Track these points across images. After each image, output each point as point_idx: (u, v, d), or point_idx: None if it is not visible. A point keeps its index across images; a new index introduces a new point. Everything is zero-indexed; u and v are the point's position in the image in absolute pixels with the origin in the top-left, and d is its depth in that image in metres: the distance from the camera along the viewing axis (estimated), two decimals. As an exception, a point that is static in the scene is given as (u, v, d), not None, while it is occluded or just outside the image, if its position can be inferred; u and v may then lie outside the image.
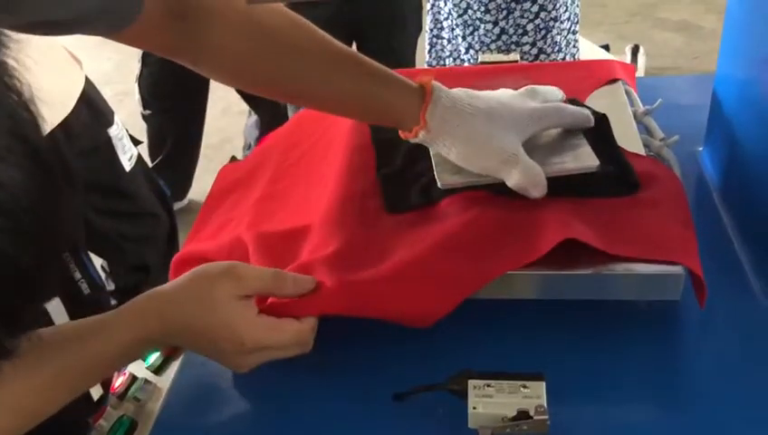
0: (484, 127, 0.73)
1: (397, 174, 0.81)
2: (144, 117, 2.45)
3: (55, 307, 1.40)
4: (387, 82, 0.74)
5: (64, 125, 1.32)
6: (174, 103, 2.41)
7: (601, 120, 0.80)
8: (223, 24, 0.70)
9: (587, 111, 0.78)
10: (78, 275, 1.40)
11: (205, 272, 0.65)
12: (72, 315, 1.43)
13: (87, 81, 1.42)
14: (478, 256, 0.69)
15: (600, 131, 0.79)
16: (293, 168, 0.91)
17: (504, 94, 0.78)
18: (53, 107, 1.30)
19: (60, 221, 0.42)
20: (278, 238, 0.77)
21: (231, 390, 0.72)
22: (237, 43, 0.71)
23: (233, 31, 0.71)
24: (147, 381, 0.74)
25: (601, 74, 0.95)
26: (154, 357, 0.76)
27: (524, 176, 0.72)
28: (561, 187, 0.73)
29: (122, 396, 0.74)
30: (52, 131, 1.27)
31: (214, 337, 0.64)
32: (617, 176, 0.76)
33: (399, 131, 0.77)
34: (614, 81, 0.94)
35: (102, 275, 1.58)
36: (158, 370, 0.75)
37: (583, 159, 0.75)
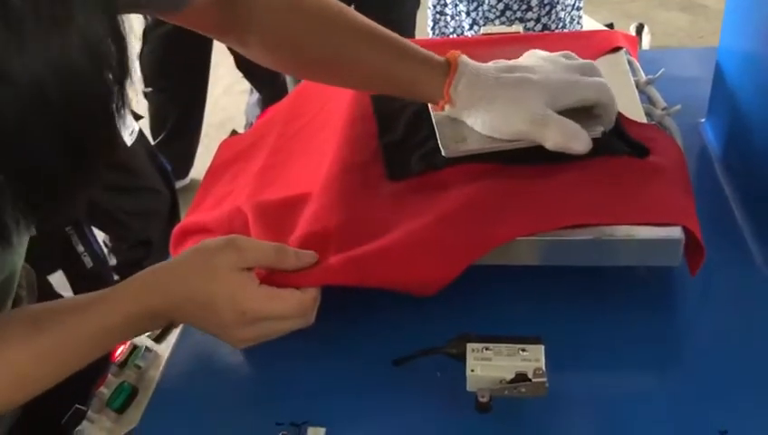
0: (511, 95, 0.73)
1: (399, 142, 0.81)
2: (145, 95, 2.44)
3: (58, 280, 1.41)
4: (413, 57, 0.76)
5: None
6: (175, 82, 2.41)
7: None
8: (268, 4, 0.74)
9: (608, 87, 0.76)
10: (81, 249, 1.41)
11: (205, 246, 0.65)
12: (75, 289, 1.44)
13: None
14: (481, 224, 0.69)
15: None
16: (294, 139, 0.91)
17: (542, 63, 0.77)
18: None
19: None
20: (278, 207, 0.77)
21: (231, 357, 0.72)
22: (281, 23, 0.75)
23: (276, 11, 0.74)
24: (147, 349, 0.74)
25: (604, 44, 0.95)
26: (154, 325, 0.76)
27: (560, 132, 0.71)
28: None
29: (123, 364, 0.74)
30: None
31: (215, 308, 0.64)
32: (623, 142, 0.76)
33: (430, 105, 0.79)
34: (616, 50, 0.94)
35: (105, 249, 1.58)
36: (158, 338, 0.75)
37: (589, 125, 0.74)
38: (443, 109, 0.76)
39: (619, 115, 0.78)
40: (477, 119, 0.75)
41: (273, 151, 0.90)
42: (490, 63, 0.77)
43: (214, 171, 0.92)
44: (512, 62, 0.78)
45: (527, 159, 0.74)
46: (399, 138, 0.82)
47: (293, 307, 0.66)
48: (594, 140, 0.73)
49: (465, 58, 0.75)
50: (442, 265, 0.66)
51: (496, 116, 0.73)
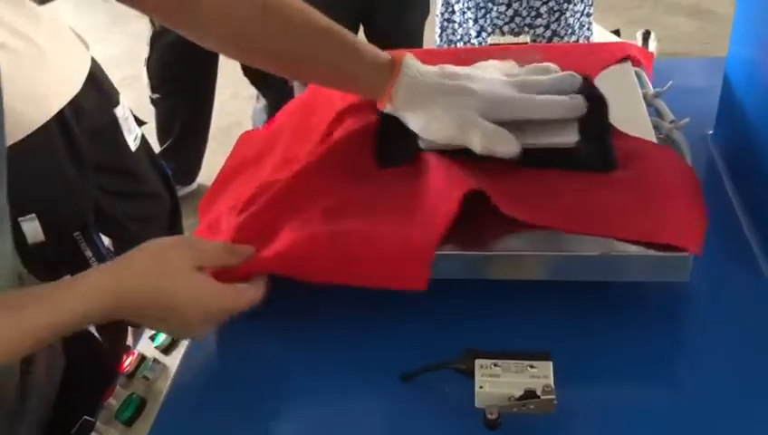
0: (446, 101, 0.75)
1: (390, 131, 0.82)
2: (153, 101, 2.45)
3: None
4: (360, 55, 0.77)
5: (74, 104, 1.32)
6: (182, 87, 2.41)
7: (599, 100, 0.80)
8: None
9: (570, 102, 0.77)
10: (89, 254, 1.41)
11: (158, 246, 0.66)
12: None
13: (93, 61, 1.43)
14: (440, 206, 0.70)
15: (595, 112, 0.79)
16: (311, 132, 0.92)
17: (490, 78, 0.79)
18: (63, 85, 1.31)
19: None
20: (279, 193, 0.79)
21: (239, 369, 0.72)
22: (227, 9, 0.74)
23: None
24: (155, 361, 0.74)
25: (617, 54, 0.94)
26: (163, 337, 0.76)
27: (485, 137, 0.74)
28: (536, 157, 0.75)
29: (131, 375, 0.74)
30: (62, 110, 1.28)
31: (179, 309, 0.65)
32: (595, 154, 0.76)
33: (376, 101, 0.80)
34: (624, 60, 0.94)
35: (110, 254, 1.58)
36: (166, 349, 0.76)
37: (564, 134, 0.76)
38: (384, 107, 0.78)
39: (613, 129, 0.79)
40: (414, 120, 0.77)
41: (290, 142, 0.91)
42: (435, 68, 0.79)
43: (233, 162, 0.94)
44: (458, 68, 0.80)
45: (500, 159, 0.75)
46: (392, 127, 0.83)
47: (254, 299, 0.69)
48: (566, 150, 0.74)
49: (409, 59, 0.77)
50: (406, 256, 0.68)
51: (431, 120, 0.76)
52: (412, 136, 0.80)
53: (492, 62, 0.85)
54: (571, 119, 0.77)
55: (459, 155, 0.77)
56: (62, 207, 1.35)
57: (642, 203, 0.70)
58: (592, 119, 0.78)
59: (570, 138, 0.75)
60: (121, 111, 1.48)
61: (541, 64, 0.82)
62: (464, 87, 0.76)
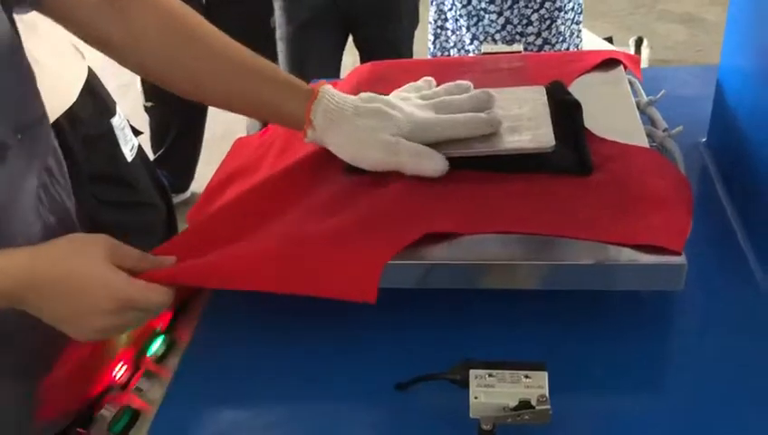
0: (365, 124, 0.76)
1: None
2: (146, 109, 2.44)
3: None
4: (279, 83, 0.80)
5: (69, 114, 1.33)
6: (176, 96, 2.40)
7: (573, 106, 0.81)
8: (148, 11, 0.77)
9: (487, 118, 0.77)
10: None
11: (79, 236, 0.69)
12: None
13: (90, 71, 1.43)
14: (402, 221, 0.71)
15: (570, 117, 0.80)
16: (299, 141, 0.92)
17: (407, 102, 0.80)
18: (59, 96, 1.31)
19: None
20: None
21: (233, 379, 0.72)
22: (158, 32, 0.77)
23: (155, 19, 0.77)
24: (149, 372, 0.74)
25: (599, 59, 0.95)
26: (156, 346, 0.76)
27: (411, 157, 0.75)
28: (515, 163, 0.76)
29: (125, 386, 0.74)
30: (58, 120, 1.28)
31: (89, 292, 0.65)
32: (571, 158, 0.76)
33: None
34: (612, 67, 0.94)
35: None
36: (160, 359, 0.75)
37: (540, 139, 0.76)
38: (306, 135, 0.79)
39: (589, 134, 0.79)
40: (338, 147, 0.78)
41: (281, 150, 0.92)
42: (359, 95, 0.80)
43: (226, 166, 0.96)
44: (376, 94, 0.80)
45: (478, 166, 0.76)
46: None
47: (166, 300, 0.69)
48: (541, 157, 0.75)
49: (327, 87, 0.79)
50: (359, 261, 0.68)
51: (352, 143, 0.77)
52: None
53: (408, 85, 0.86)
54: (545, 123, 0.77)
55: None
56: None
57: (619, 205, 0.71)
58: (568, 124, 0.79)
59: (546, 143, 0.75)
60: (118, 121, 1.49)
61: (456, 82, 0.83)
62: (382, 110, 0.77)
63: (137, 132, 1.60)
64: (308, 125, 0.78)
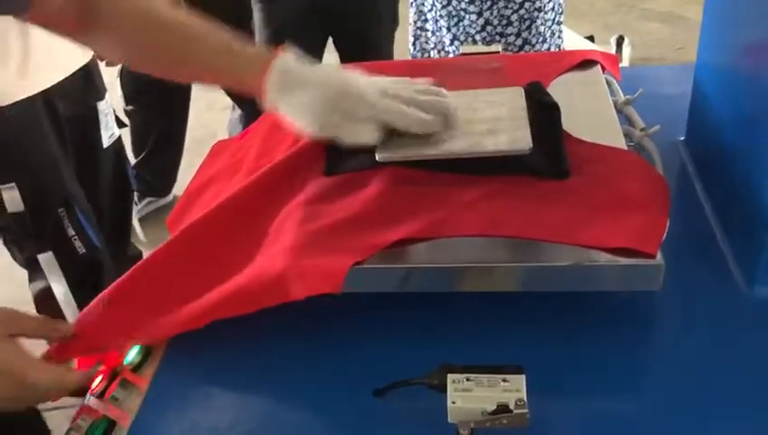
0: (315, 91, 0.77)
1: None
2: (127, 113, 2.42)
3: (47, 259, 1.44)
4: (240, 53, 0.81)
5: (62, 87, 1.41)
6: (157, 99, 2.39)
7: (552, 107, 0.81)
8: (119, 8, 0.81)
9: (422, 117, 0.78)
10: (71, 232, 1.44)
11: None
12: (66, 273, 1.47)
13: (93, 59, 1.52)
14: (380, 224, 0.71)
15: (549, 118, 0.80)
16: (280, 142, 0.92)
17: (367, 80, 0.81)
18: (55, 68, 1.40)
19: None
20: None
21: (211, 390, 0.71)
22: (128, 19, 0.81)
23: (123, 16, 0.81)
24: (125, 381, 0.73)
25: (577, 60, 0.95)
26: (132, 354, 0.75)
27: (348, 121, 0.76)
28: (491, 165, 0.75)
29: (101, 395, 0.73)
30: (49, 90, 1.38)
31: None
32: (548, 161, 0.76)
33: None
34: (590, 64, 0.94)
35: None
36: (136, 368, 0.74)
37: (517, 141, 0.75)
38: (263, 101, 0.80)
39: (567, 136, 0.79)
40: (284, 111, 0.79)
41: (258, 154, 0.92)
42: (320, 65, 0.82)
43: (204, 169, 0.95)
44: (336, 71, 0.82)
45: (456, 169, 0.76)
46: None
47: (73, 383, 0.69)
48: (519, 157, 0.74)
49: (285, 54, 0.79)
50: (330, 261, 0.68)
51: (295, 107, 0.78)
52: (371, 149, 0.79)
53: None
54: (522, 125, 0.77)
55: (415, 166, 0.77)
56: (45, 177, 1.41)
57: (594, 208, 0.70)
58: (546, 125, 0.78)
59: (523, 145, 0.75)
60: (104, 106, 1.56)
61: (406, 78, 0.83)
62: (332, 77, 0.78)
63: (121, 124, 1.68)
64: (263, 91, 0.79)
